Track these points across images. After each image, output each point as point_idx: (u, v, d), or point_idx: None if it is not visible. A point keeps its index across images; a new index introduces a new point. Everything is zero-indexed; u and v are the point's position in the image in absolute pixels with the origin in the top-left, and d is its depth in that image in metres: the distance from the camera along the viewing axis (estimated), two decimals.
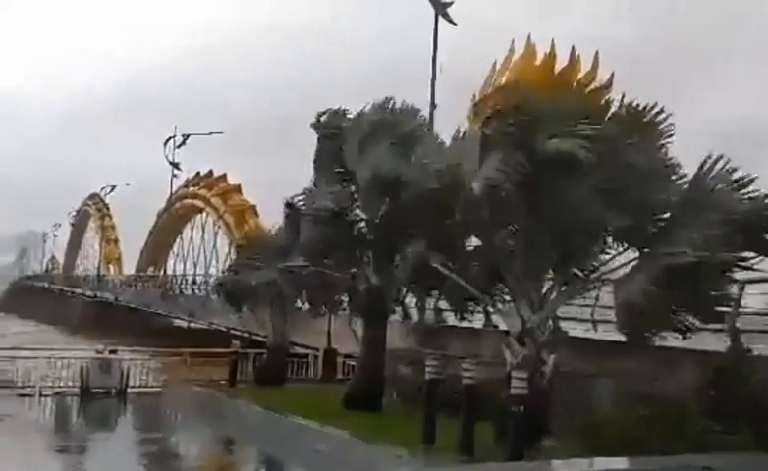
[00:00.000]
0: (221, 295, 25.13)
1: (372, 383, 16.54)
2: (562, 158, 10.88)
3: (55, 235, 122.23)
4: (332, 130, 17.09)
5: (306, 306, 21.88)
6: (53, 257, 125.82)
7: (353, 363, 21.10)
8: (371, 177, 15.86)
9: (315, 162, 17.47)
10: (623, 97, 12.01)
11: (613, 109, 12.22)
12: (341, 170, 17.10)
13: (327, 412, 15.59)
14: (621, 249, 12.34)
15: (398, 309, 18.67)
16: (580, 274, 13.01)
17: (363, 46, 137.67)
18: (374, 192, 16.11)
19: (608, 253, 12.70)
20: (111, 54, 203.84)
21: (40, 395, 19.93)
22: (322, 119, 17.41)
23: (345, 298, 20.04)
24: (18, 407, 19.06)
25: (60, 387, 20.54)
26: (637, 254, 11.86)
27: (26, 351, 22.52)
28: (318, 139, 17.34)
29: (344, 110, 17.34)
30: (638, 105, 11.69)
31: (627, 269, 11.95)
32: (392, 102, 16.73)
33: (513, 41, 26.14)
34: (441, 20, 29.85)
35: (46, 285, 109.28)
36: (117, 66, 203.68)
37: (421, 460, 11.68)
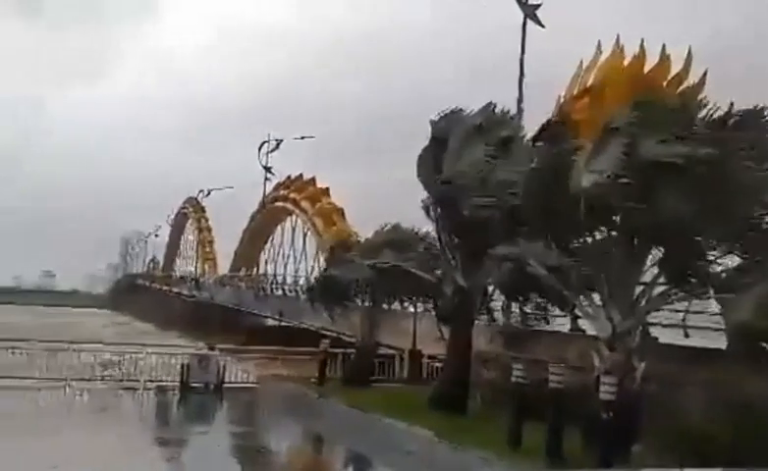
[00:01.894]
0: (313, 292, 25.59)
1: (458, 384, 16.50)
2: (667, 160, 10.56)
3: (156, 236, 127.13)
4: (441, 133, 17.16)
5: (394, 307, 22.10)
6: (154, 257, 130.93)
7: (438, 365, 21.11)
8: (463, 178, 15.84)
9: (419, 162, 17.56)
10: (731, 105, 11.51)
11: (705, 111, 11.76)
12: (440, 172, 17.09)
13: (413, 412, 15.66)
14: (724, 255, 11.86)
15: (484, 311, 18.58)
16: (684, 279, 12.51)
17: (453, 51, 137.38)
18: (464, 194, 16.03)
19: (709, 260, 12.20)
20: (206, 62, 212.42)
21: (143, 389, 20.89)
22: (440, 119, 17.50)
23: (431, 300, 20.16)
24: (123, 400, 20.04)
25: (161, 381, 21.44)
26: (741, 261, 11.39)
27: (129, 347, 23.54)
28: (431, 140, 17.42)
29: (458, 111, 17.38)
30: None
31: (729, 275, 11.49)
32: (492, 107, 16.70)
33: (599, 42, 25.43)
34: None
35: (147, 283, 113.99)
36: (213, 73, 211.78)
37: (507, 464, 11.59)
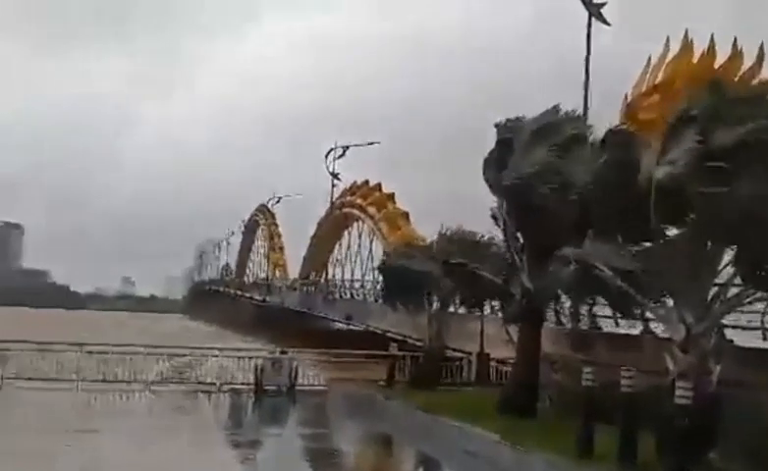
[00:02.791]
0: (381, 290, 25.61)
1: (526, 388, 16.23)
2: (745, 148, 10.12)
3: (228, 243, 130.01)
4: (507, 136, 17.01)
5: (461, 310, 21.93)
6: (227, 263, 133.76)
7: (506, 368, 20.84)
8: (529, 179, 15.60)
9: (485, 165, 17.43)
10: None
11: None
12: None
13: (481, 415, 15.50)
14: None
15: (552, 314, 18.23)
16: (761, 278, 11.93)
17: (519, 53, 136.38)
18: (530, 195, 15.78)
19: None
20: (280, 74, 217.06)
21: (219, 391, 21.35)
22: (506, 122, 17.36)
23: (498, 302, 19.94)
24: (200, 402, 20.53)
25: (236, 383, 21.88)
26: None
27: (205, 350, 24.11)
28: (497, 143, 17.30)
29: (521, 117, 17.22)
30: None
31: None
32: (558, 108, 16.44)
33: (668, 38, 24.68)
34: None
35: (220, 289, 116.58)
36: (285, 85, 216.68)
37: (578, 469, 11.32)
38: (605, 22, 29.08)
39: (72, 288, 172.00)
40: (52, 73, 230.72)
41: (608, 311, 16.47)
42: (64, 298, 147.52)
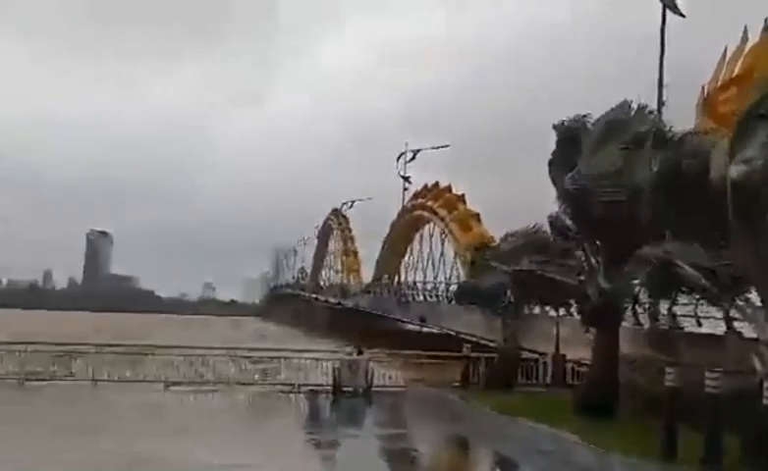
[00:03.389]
0: (458, 301, 25.60)
1: (604, 389, 15.85)
2: None
3: (304, 247, 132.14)
4: (570, 134, 16.70)
5: (535, 311, 21.65)
6: (302, 267, 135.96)
7: (582, 369, 20.42)
8: (600, 178, 15.24)
9: (550, 165, 17.17)
10: None
11: None
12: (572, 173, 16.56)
13: (557, 416, 15.25)
14: None
15: (629, 313, 17.77)
16: None
17: (590, 49, 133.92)
18: (601, 193, 15.41)
19: None
20: (355, 82, 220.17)
21: (297, 392, 21.71)
22: (564, 123, 17.09)
23: (574, 303, 19.55)
24: (279, 402, 20.91)
25: (314, 385, 22.20)
26: None
27: (284, 352, 24.57)
28: (557, 143, 17.04)
29: (583, 115, 16.90)
30: None
31: None
32: (628, 104, 16.00)
33: (745, 29, 23.67)
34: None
35: (296, 292, 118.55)
36: (360, 91, 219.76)
37: None
38: (680, 13, 28.10)
39: (156, 294, 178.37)
40: (140, 82, 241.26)
41: (689, 311, 15.96)
42: (149, 303, 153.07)
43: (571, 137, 16.61)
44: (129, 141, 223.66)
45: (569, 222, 16.89)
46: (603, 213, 15.25)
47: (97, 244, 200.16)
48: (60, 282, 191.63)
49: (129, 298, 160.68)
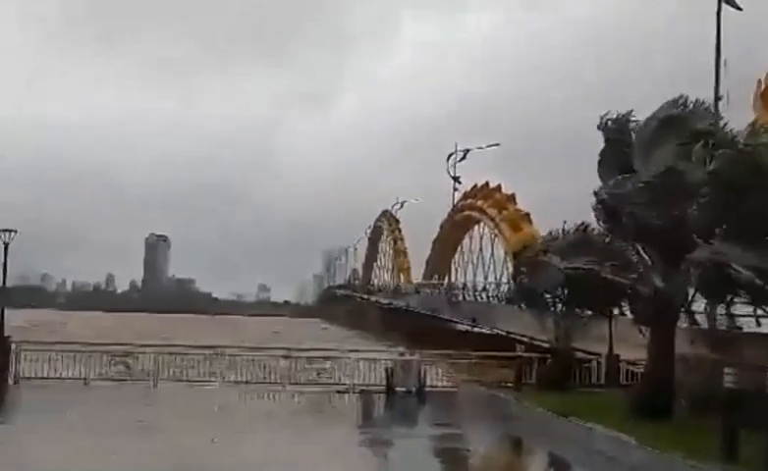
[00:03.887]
0: (510, 301, 25.39)
1: (660, 390, 15.50)
2: None
3: (355, 249, 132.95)
4: (617, 133, 16.39)
5: (588, 311, 21.30)
6: (354, 269, 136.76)
7: (636, 370, 20.01)
8: (657, 176, 14.88)
9: (600, 165, 16.88)
10: None
11: None
12: (625, 172, 16.23)
13: (613, 417, 14.97)
14: None
15: (685, 313, 17.30)
16: None
17: (644, 47, 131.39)
18: (661, 192, 15.02)
19: None
20: (411, 84, 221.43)
21: (352, 392, 21.83)
22: (608, 122, 16.79)
23: (627, 302, 19.17)
24: (334, 402, 21.07)
25: (367, 385, 22.30)
26: None
27: (337, 352, 24.77)
28: (605, 142, 16.74)
29: (629, 112, 16.57)
30: None
31: None
32: (683, 100, 15.58)
33: None
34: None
35: (348, 293, 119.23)
36: (413, 92, 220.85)
37: None
38: (736, 6, 27.21)
39: (213, 295, 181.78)
40: (207, 89, 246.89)
41: (748, 311, 15.49)
42: (207, 305, 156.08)
43: (619, 136, 16.29)
44: (189, 148, 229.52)
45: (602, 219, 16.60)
46: (654, 212, 14.90)
47: (156, 248, 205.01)
48: (121, 284, 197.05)
49: (187, 300, 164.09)
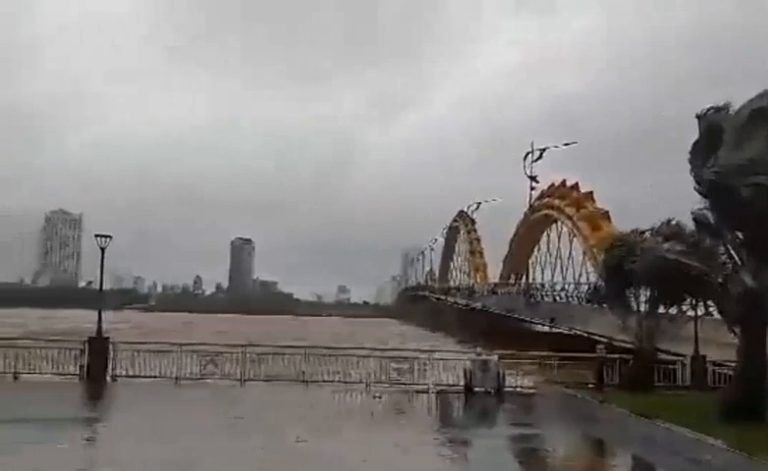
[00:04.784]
0: (590, 300, 24.78)
1: (753, 392, 14.76)
2: None
3: (432, 250, 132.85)
4: (712, 125, 15.70)
5: (672, 310, 20.57)
6: (431, 269, 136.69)
7: (724, 371, 19.16)
8: (745, 169, 14.17)
9: (691, 154, 16.22)
10: None
11: None
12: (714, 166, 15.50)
13: (700, 420, 14.37)
14: None
15: None
16: None
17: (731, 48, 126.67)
18: (748, 187, 14.27)
19: None
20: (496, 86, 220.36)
21: (431, 392, 21.77)
22: (707, 112, 16.12)
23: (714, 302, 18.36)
24: (415, 401, 21.05)
25: (446, 385, 22.18)
26: None
27: (416, 353, 24.73)
28: (700, 132, 16.07)
29: (728, 103, 15.85)
30: None
31: None
32: None
33: None
34: None
35: (425, 294, 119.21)
36: (479, 88, 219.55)
37: None
38: None
39: (295, 296, 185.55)
40: (294, 94, 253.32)
41: None
42: (289, 305, 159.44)
43: (715, 128, 15.58)
44: (274, 154, 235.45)
45: (712, 217, 15.82)
46: (748, 205, 14.16)
47: (241, 251, 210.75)
48: (208, 286, 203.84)
49: (270, 301, 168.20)
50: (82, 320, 41.04)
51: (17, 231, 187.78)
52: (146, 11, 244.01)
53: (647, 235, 20.76)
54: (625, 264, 20.39)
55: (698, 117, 16.11)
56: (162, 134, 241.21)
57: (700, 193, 15.61)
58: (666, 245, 18.86)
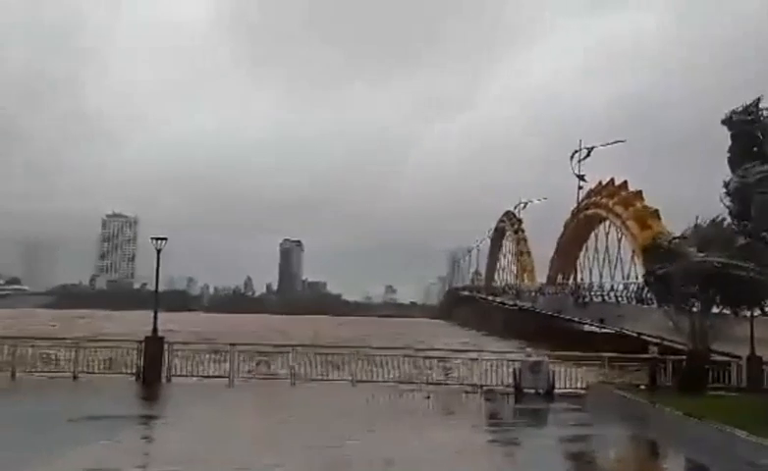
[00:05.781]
0: (640, 301, 24.34)
1: None
2: None
3: (478, 250, 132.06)
4: (745, 124, 15.30)
5: (726, 311, 20.00)
6: (477, 269, 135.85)
7: None
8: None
9: (730, 160, 15.83)
10: None
11: None
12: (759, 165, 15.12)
13: (757, 423, 13.88)
14: None
15: None
16: None
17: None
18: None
19: None
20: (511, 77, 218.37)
21: (480, 392, 21.65)
22: (733, 116, 15.72)
23: None
24: (465, 401, 20.96)
25: (495, 385, 22.01)
26: None
27: (465, 353, 24.65)
28: (731, 138, 15.69)
29: (757, 100, 15.41)
30: None
31: None
32: None
33: None
34: None
35: (472, 294, 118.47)
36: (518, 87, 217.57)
37: None
38: None
39: (343, 297, 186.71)
40: (348, 99, 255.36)
41: None
42: (337, 306, 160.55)
43: (748, 127, 15.18)
44: (324, 157, 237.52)
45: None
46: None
47: (291, 253, 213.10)
48: (259, 288, 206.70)
49: (319, 302, 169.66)
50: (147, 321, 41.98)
51: (76, 233, 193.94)
52: (209, 17, 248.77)
53: (688, 231, 20.28)
54: (665, 267, 19.99)
55: (724, 122, 15.74)
56: (216, 138, 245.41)
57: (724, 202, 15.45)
58: (699, 255, 18.39)
